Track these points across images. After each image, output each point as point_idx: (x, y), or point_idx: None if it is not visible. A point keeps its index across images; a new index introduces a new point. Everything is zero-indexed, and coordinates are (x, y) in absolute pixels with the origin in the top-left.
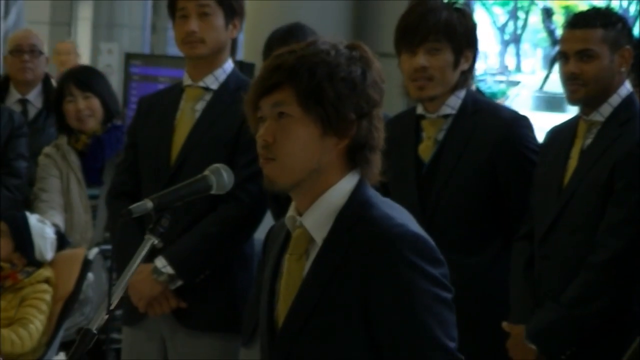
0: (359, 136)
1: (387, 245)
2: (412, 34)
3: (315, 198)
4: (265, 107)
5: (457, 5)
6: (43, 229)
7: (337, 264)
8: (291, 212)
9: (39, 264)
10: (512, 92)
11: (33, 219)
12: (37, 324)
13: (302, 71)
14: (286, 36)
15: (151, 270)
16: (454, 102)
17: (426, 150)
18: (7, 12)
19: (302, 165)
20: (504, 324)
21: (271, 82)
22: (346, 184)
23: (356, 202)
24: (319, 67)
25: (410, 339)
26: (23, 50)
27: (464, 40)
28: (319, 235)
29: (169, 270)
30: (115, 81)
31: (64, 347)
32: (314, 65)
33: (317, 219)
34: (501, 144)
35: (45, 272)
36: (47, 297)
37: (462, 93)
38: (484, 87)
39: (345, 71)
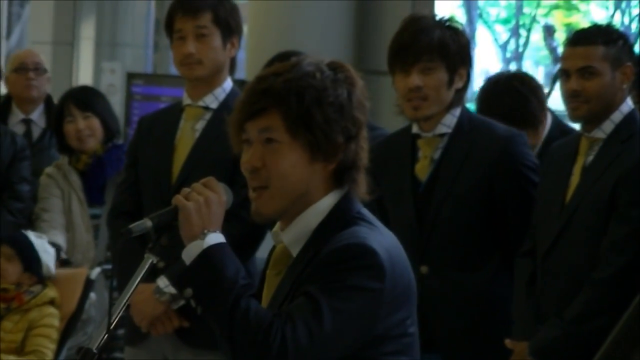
0: (346, 158)
1: (331, 256)
2: (405, 53)
3: (297, 215)
4: (252, 131)
5: (450, 23)
6: (44, 244)
7: (296, 280)
8: (276, 227)
9: (43, 280)
10: None
11: (32, 236)
12: (50, 355)
13: (289, 96)
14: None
15: (153, 290)
16: (450, 121)
17: (423, 169)
18: (9, 32)
19: (292, 191)
20: (507, 341)
21: (258, 107)
22: (327, 202)
23: (334, 219)
24: (306, 92)
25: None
26: (28, 67)
27: (457, 59)
28: (296, 251)
29: (171, 289)
30: (118, 101)
31: None
32: (301, 90)
33: (295, 235)
34: (497, 161)
35: (50, 293)
36: (56, 322)
37: (457, 111)
38: None
39: (332, 95)
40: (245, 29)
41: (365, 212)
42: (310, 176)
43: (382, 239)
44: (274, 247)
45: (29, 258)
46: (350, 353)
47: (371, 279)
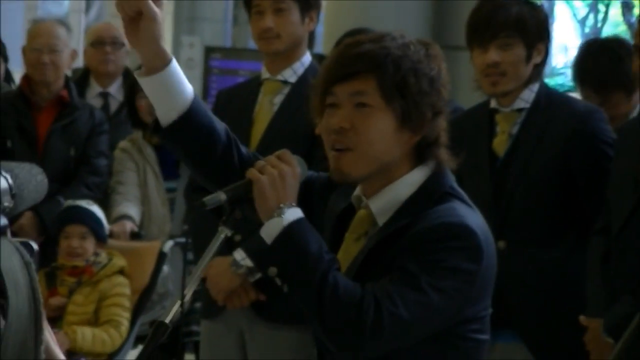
0: (430, 133)
1: (433, 234)
2: (483, 30)
3: (384, 186)
4: (341, 94)
5: None
6: (97, 208)
7: (385, 252)
8: (358, 191)
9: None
10: None
11: (84, 204)
12: (126, 323)
13: (387, 62)
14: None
15: (230, 263)
16: (528, 96)
17: (500, 144)
18: (88, 6)
19: (378, 156)
20: (581, 318)
21: (352, 70)
22: (417, 175)
23: (427, 192)
24: (403, 61)
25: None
26: (105, 42)
27: (535, 34)
28: (382, 220)
29: (247, 262)
30: (197, 75)
31: (140, 340)
32: (398, 58)
33: (383, 204)
34: (575, 137)
35: (119, 262)
36: (127, 290)
37: (535, 86)
38: (564, 80)
39: (427, 68)
40: (323, 3)
41: (458, 188)
42: (395, 145)
43: (476, 218)
44: (343, 210)
45: (98, 229)
46: (442, 329)
47: (469, 261)
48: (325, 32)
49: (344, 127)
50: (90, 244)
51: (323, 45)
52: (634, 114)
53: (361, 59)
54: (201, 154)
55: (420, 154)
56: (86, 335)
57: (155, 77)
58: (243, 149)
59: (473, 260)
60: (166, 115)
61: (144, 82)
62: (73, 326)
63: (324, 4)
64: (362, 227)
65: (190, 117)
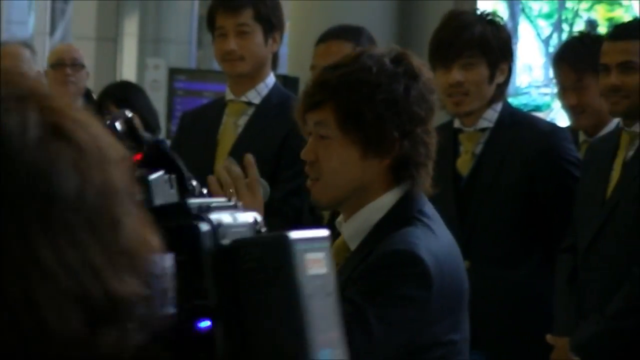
0: (402, 154)
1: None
2: (446, 49)
3: (357, 210)
4: (310, 123)
5: (491, 18)
6: None
7: (349, 277)
8: (340, 218)
9: None
10: (556, 104)
11: None
12: None
13: (341, 92)
14: (340, 33)
15: None
16: (491, 116)
17: (464, 164)
18: (53, 28)
19: (344, 184)
20: (548, 337)
21: (315, 100)
22: (387, 199)
23: (393, 217)
24: (359, 88)
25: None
26: (65, 63)
27: (499, 54)
28: (354, 245)
29: None
30: (163, 96)
31: None
32: (353, 86)
33: (353, 230)
34: (539, 156)
35: None
36: None
37: (498, 106)
38: (528, 99)
39: (386, 91)
40: (287, 24)
41: (428, 210)
42: (363, 172)
43: (434, 242)
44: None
45: None
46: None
47: (416, 287)
48: (290, 53)
49: (309, 159)
50: None
51: (287, 67)
52: (607, 130)
53: (321, 88)
54: None
55: (396, 174)
56: None
57: None
58: None
59: (420, 286)
60: None
61: None
62: None
63: (287, 26)
64: (339, 255)
65: None
